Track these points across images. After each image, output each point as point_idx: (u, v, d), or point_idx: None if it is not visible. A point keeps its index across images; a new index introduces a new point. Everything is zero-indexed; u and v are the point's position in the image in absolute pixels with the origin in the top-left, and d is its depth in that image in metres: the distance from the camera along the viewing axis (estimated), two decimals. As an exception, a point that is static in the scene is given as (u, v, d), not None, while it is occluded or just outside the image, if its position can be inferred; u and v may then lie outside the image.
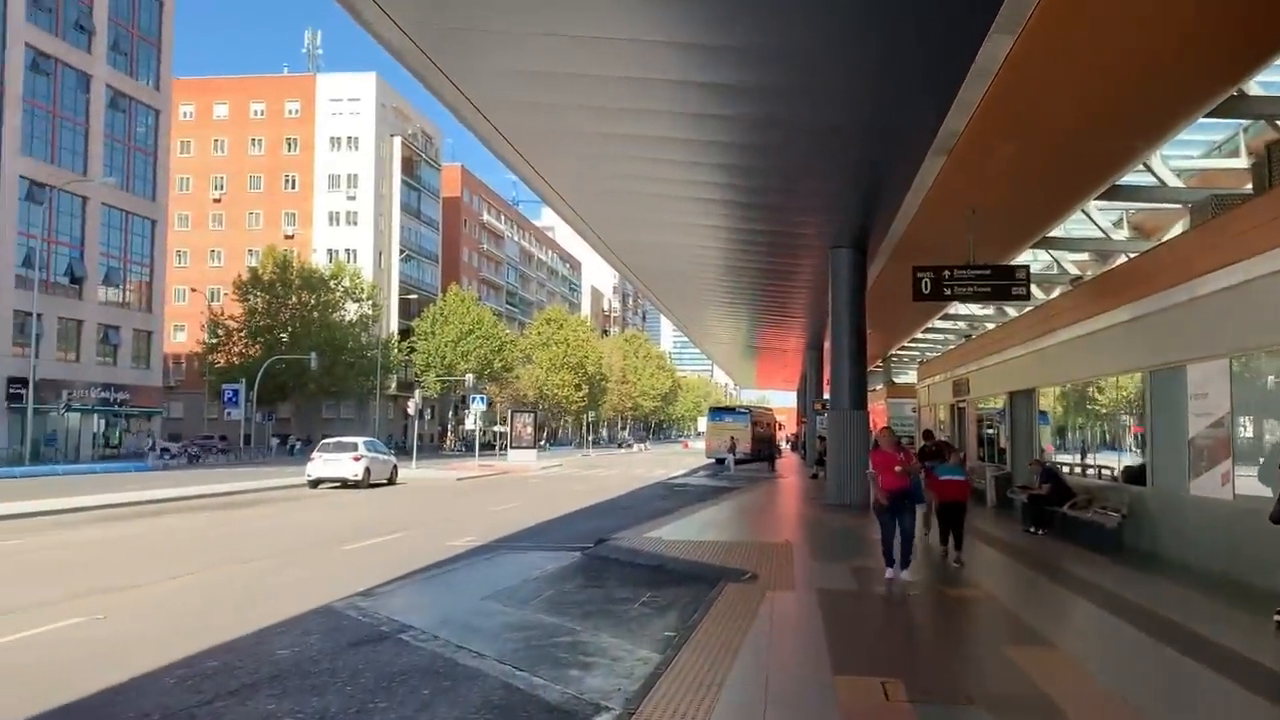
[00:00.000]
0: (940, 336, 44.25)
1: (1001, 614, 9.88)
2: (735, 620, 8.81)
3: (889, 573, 10.87)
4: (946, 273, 17.81)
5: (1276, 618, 8.58)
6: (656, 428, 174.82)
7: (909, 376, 57.46)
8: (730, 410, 61.02)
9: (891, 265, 24.07)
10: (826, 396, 46.76)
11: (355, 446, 30.76)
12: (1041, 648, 8.02)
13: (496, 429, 70.61)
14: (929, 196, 17.08)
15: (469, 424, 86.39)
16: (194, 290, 78.48)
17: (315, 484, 30.39)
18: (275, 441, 68.62)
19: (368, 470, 30.38)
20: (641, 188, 19.97)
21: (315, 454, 30.89)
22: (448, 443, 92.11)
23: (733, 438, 47.87)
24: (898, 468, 10.92)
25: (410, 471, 39.09)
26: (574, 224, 24.73)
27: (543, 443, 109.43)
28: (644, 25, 11.46)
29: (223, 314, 68.58)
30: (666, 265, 30.41)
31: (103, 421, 52.14)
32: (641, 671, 7.39)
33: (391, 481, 32.77)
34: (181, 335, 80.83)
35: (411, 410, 43.14)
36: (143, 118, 55.63)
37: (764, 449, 51.34)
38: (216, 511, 21.81)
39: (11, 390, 44.26)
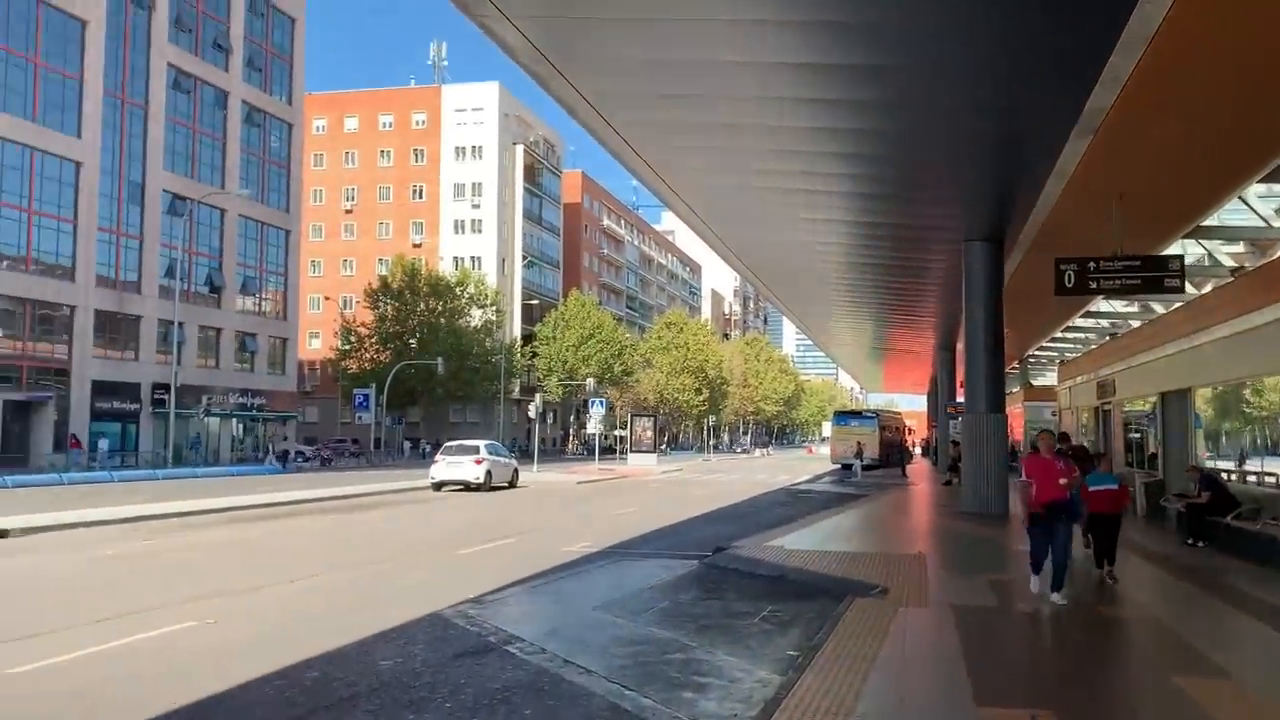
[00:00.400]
0: (1081, 336, 41.97)
1: (1165, 637, 8.86)
2: (864, 639, 8.09)
3: (1033, 584, 9.91)
4: (1092, 265, 16.59)
5: None
6: (779, 432, 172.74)
7: (1047, 379, 54.96)
8: (856, 414, 59.46)
9: (1030, 259, 22.71)
10: (960, 400, 44.91)
11: (477, 450, 30.94)
12: (1215, 679, 7.06)
13: (617, 433, 70.70)
14: (1072, 182, 15.89)
15: (590, 428, 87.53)
16: (327, 298, 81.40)
17: (439, 486, 30.68)
18: (407, 445, 70.29)
19: (489, 473, 30.51)
20: (764, 183, 19.32)
21: (439, 457, 31.21)
22: (570, 446, 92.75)
23: (859, 442, 46.45)
24: (1062, 480, 9.71)
25: (531, 474, 39.22)
26: (693, 224, 24.28)
27: (663, 447, 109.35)
28: (769, 6, 10.84)
29: (354, 321, 70.62)
30: (788, 264, 29.59)
31: (240, 426, 54.25)
32: (760, 695, 6.77)
33: (512, 484, 32.86)
34: (316, 342, 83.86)
35: (532, 414, 43.44)
36: (277, 132, 57.80)
37: (893, 454, 49.67)
38: (341, 514, 22.08)
39: (155, 396, 46.41)
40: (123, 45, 45.93)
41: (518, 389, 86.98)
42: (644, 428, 57.38)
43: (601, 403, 43.82)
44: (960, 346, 42.90)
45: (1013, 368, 47.84)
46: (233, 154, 53.27)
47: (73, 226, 43.25)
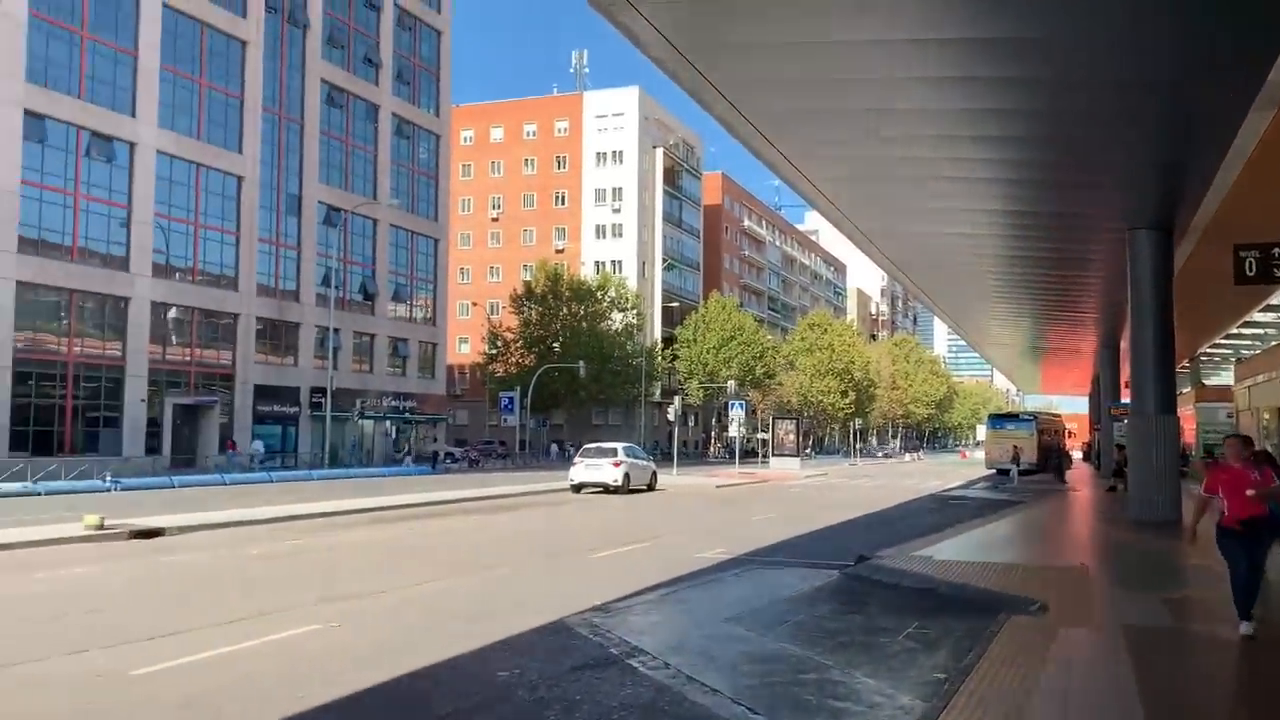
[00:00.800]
0: (1259, 332, 38.80)
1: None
2: (1019, 663, 7.27)
3: (1243, 627, 8.34)
4: (1277, 251, 15.02)
5: None
6: (930, 436, 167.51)
7: (1221, 378, 51.27)
8: (1013, 416, 56.93)
9: (1202, 247, 20.92)
10: (1125, 400, 42.21)
11: (615, 452, 30.82)
12: None
13: (760, 436, 69.76)
14: (1252, 161, 14.42)
15: (730, 430, 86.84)
16: (474, 304, 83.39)
17: (577, 489, 30.70)
18: (554, 447, 71.22)
19: (627, 476, 30.32)
20: (910, 171, 18.32)
21: (577, 459, 31.25)
22: (711, 449, 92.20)
23: (1016, 447, 44.21)
24: (1250, 491, 8.20)
25: (670, 478, 38.88)
26: (834, 219, 23.39)
27: (808, 451, 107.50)
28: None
29: (500, 326, 72.04)
30: (937, 258, 28.26)
31: (393, 428, 55.99)
32: (902, 726, 6.09)
33: (650, 487, 32.59)
34: (465, 347, 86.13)
35: (671, 417, 43.16)
36: (424, 143, 59.48)
37: (1051, 459, 47.05)
38: (484, 515, 22.22)
39: (313, 399, 48.31)
40: (279, 64, 48.08)
41: (659, 392, 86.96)
42: (786, 431, 56.31)
43: (741, 405, 43.07)
44: (1124, 344, 40.33)
45: (1183, 366, 44.71)
46: (383, 165, 55.07)
47: (235, 238, 45.49)
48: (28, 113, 35.89)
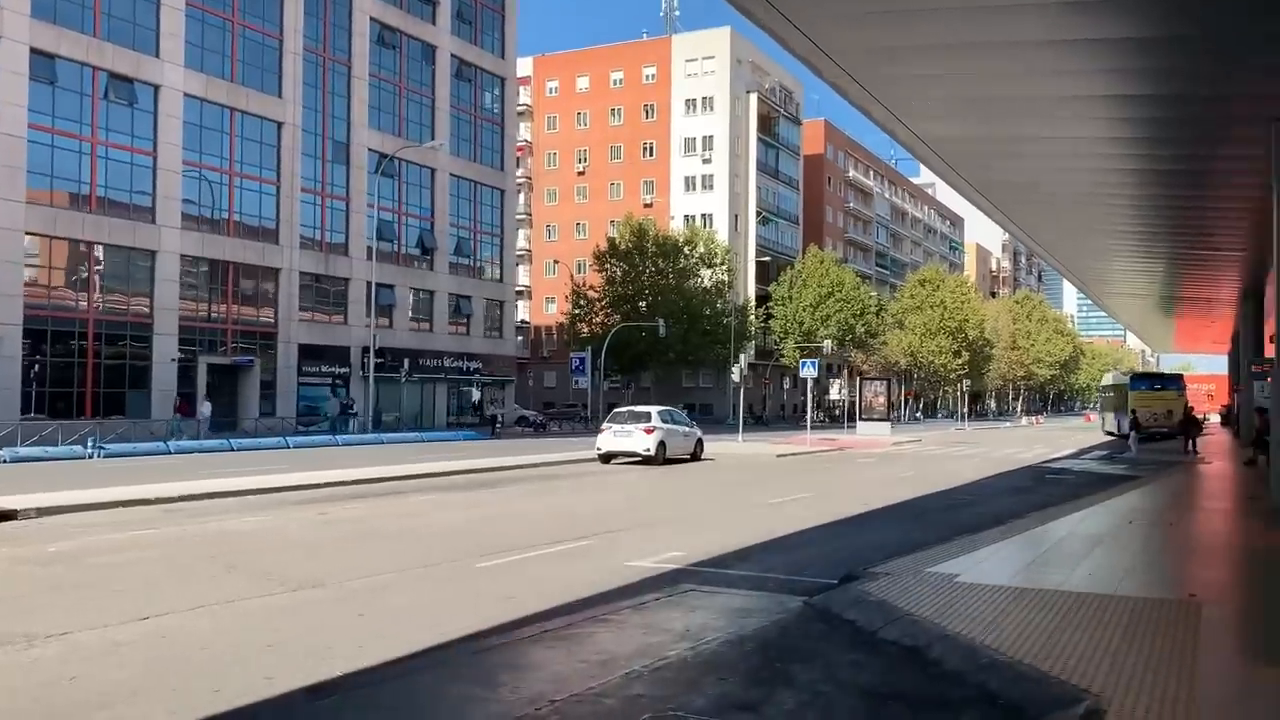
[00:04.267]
0: None
1: None
2: None
3: None
4: None
5: None
6: (1055, 399, 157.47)
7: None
8: (1157, 377, 51.59)
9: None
10: (1271, 356, 35.70)
11: (648, 417, 26.66)
12: None
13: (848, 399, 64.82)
14: None
15: (834, 394, 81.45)
16: (557, 262, 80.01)
17: (607, 459, 26.80)
18: (637, 411, 67.50)
19: (662, 444, 26.20)
20: (1020, 90, 15.06)
21: (605, 425, 27.25)
22: (812, 414, 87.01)
23: (1161, 411, 38.46)
24: None
25: (730, 445, 34.59)
26: (940, 171, 19.78)
27: (918, 414, 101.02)
28: None
29: (585, 285, 68.52)
30: (1051, 197, 23.49)
31: (455, 390, 53.05)
32: None
33: (695, 456, 28.40)
34: (552, 307, 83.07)
35: (736, 377, 38.70)
36: (489, 87, 55.88)
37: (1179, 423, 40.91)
38: (458, 493, 18.61)
39: (365, 360, 45.60)
40: (322, 2, 45.00)
41: (753, 352, 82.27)
42: (875, 393, 51.00)
43: (813, 364, 38.25)
44: (1270, 291, 33.93)
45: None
46: (442, 111, 51.67)
47: (275, 188, 42.84)
48: (34, 51, 33.53)
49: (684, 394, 78.86)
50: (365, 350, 44.93)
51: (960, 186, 22.66)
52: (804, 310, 76.93)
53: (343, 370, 45.87)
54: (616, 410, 28.00)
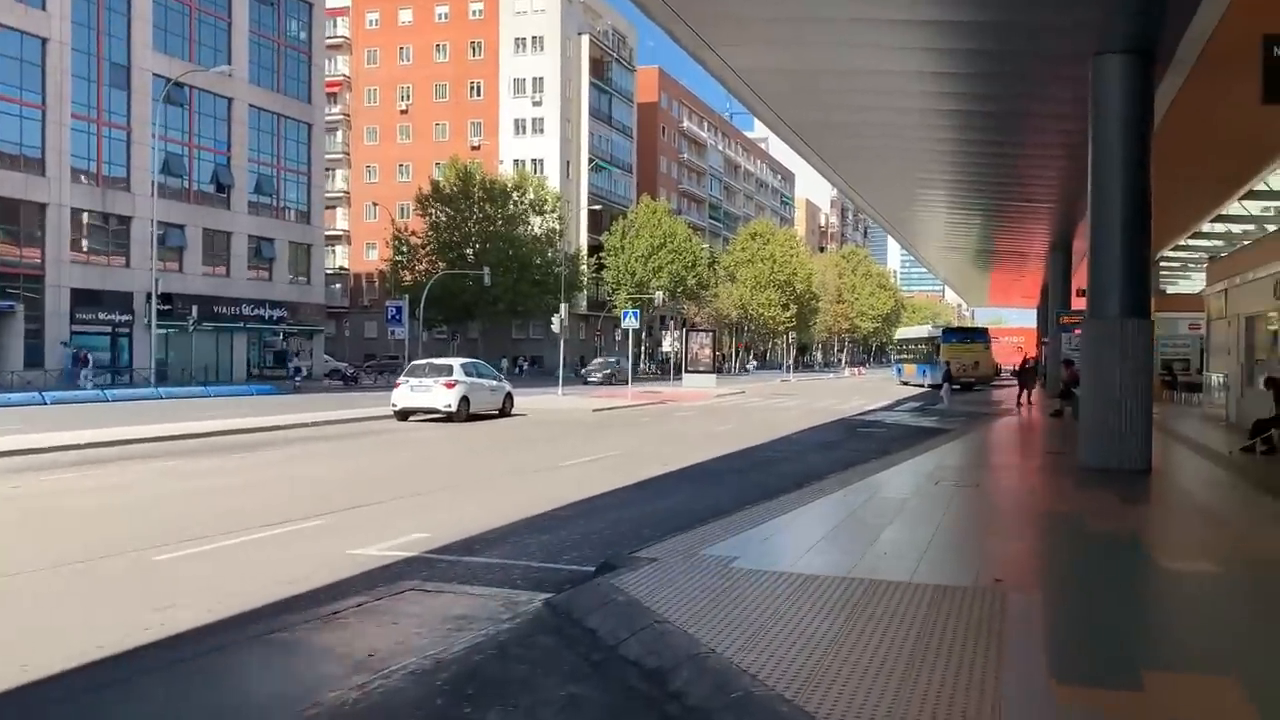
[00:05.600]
0: (1236, 228, 33.39)
1: None
2: None
3: None
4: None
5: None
6: (878, 351, 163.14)
7: (1185, 285, 46.27)
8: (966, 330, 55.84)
9: (1194, 87, 14.99)
10: (1079, 308, 36.58)
11: (449, 370, 24.59)
12: None
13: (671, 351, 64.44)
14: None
15: (666, 346, 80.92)
16: (377, 205, 75.83)
17: (404, 415, 24.66)
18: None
19: (464, 400, 24.25)
20: (829, 11, 14.09)
21: (401, 379, 25.03)
22: (643, 366, 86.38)
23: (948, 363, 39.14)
24: None
25: (548, 399, 32.97)
26: (754, 107, 18.34)
27: (749, 366, 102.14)
28: None
29: (407, 230, 65.09)
30: (870, 139, 22.60)
31: (258, 341, 49.24)
32: None
33: (504, 412, 26.59)
34: (373, 253, 78.92)
35: (556, 328, 36.86)
36: (294, 13, 51.47)
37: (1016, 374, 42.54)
38: (241, 454, 16.19)
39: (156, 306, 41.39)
40: (93, -97, 39.99)
41: (585, 304, 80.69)
42: (701, 345, 50.30)
43: (634, 315, 36.95)
44: (1080, 244, 34.66)
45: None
46: (240, 35, 47.19)
47: (40, 112, 37.99)
48: None
49: (514, 345, 76.77)
50: (148, 296, 40.76)
51: (776, 126, 21.51)
52: (636, 261, 75.80)
53: (124, 318, 41.65)
54: (415, 363, 25.72)
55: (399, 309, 53.77)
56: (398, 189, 78.44)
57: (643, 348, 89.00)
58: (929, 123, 20.53)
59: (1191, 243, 36.93)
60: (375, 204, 74.11)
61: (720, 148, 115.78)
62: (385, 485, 12.94)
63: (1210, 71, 14.00)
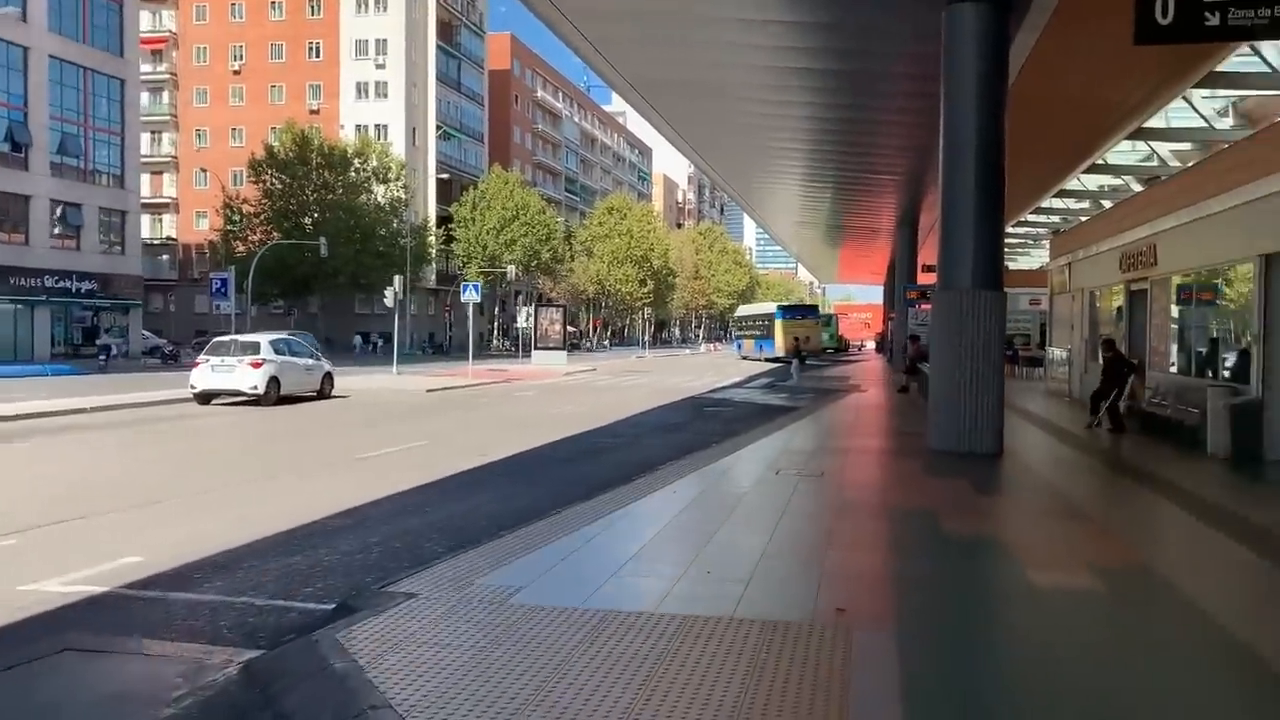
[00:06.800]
0: (1076, 206, 33.81)
1: None
2: None
3: None
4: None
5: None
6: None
7: (1026, 261, 47.31)
8: (800, 307, 60.14)
9: (1050, 39, 14.09)
10: (925, 283, 36.39)
11: (256, 348, 21.97)
12: None
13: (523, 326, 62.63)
14: None
15: (521, 321, 78.80)
16: (206, 171, 70.66)
17: (205, 399, 22.04)
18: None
19: (274, 380, 21.82)
20: None
21: (202, 358, 22.34)
22: (495, 343, 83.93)
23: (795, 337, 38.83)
24: None
25: (380, 378, 30.66)
26: (591, 58, 16.42)
27: (606, 342, 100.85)
28: None
29: (239, 198, 60.71)
30: (719, 100, 21.15)
31: (63, 316, 44.75)
32: None
33: (323, 394, 24.21)
34: (204, 222, 73.70)
35: (389, 302, 34.45)
36: (102, -47, 46.69)
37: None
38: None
39: (-72, 277, 36.87)
40: None
41: (434, 277, 77.57)
42: (551, 320, 48.57)
43: (475, 288, 34.84)
44: (925, 219, 34.43)
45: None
46: (33, -25, 42.35)
47: None
48: None
49: (357, 320, 73.20)
50: (-73, 266, 36.21)
51: (615, 81, 19.87)
52: (488, 233, 73.21)
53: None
54: (218, 340, 22.94)
55: (224, 281, 49.78)
56: (231, 154, 73.40)
57: (496, 324, 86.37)
58: (779, 82, 19.32)
59: (1032, 218, 37.35)
60: (205, 170, 68.99)
61: (576, 119, 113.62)
62: (127, 489, 10.72)
63: (1066, 25, 13.09)
